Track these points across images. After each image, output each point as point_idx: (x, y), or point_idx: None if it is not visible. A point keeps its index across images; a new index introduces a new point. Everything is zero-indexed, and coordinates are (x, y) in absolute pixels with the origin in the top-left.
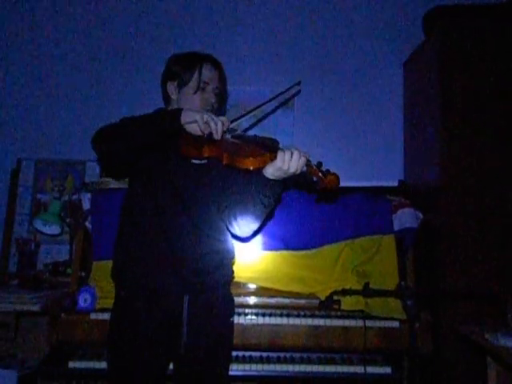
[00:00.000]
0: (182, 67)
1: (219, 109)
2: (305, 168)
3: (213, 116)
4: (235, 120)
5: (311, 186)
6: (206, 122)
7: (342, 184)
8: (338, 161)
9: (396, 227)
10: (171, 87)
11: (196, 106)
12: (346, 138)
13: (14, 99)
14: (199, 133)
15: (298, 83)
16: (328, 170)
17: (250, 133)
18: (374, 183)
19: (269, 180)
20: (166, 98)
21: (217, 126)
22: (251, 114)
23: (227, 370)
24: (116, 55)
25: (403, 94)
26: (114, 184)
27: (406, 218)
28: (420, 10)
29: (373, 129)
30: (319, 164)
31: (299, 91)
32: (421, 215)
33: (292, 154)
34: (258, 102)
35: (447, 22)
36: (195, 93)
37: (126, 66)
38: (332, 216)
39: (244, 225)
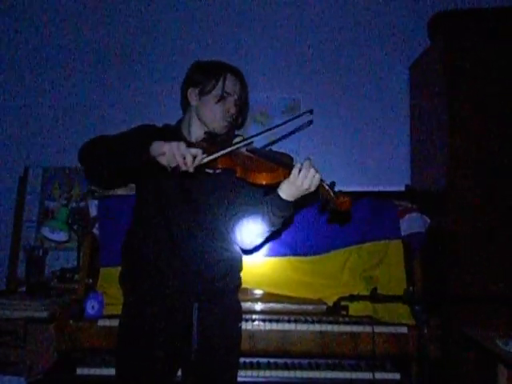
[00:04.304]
0: (205, 75)
1: (239, 119)
2: (318, 187)
3: (183, 149)
4: (243, 141)
5: (323, 206)
6: (173, 156)
7: (349, 189)
8: (344, 166)
9: (403, 232)
10: (192, 94)
11: (216, 115)
12: (352, 143)
13: (21, 107)
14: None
15: (311, 111)
16: (341, 192)
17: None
18: (381, 188)
19: (282, 200)
20: (185, 104)
21: (185, 160)
22: (262, 135)
23: (236, 375)
24: (123, 63)
25: (409, 97)
26: (120, 190)
27: (413, 222)
28: (425, 15)
29: (379, 133)
30: (332, 184)
31: (311, 120)
32: (428, 220)
33: (306, 170)
34: (263, 108)
35: (452, 26)
36: (217, 102)
37: (133, 74)
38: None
39: (247, 238)
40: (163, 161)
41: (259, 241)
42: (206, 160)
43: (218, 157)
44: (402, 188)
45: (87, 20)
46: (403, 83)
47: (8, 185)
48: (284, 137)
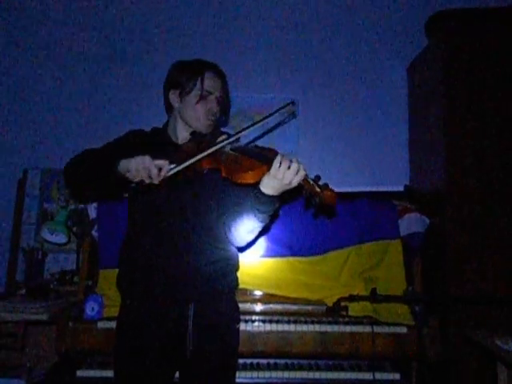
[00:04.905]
0: (184, 76)
1: (222, 117)
2: (301, 182)
3: (148, 163)
4: (224, 140)
5: (308, 201)
6: (138, 170)
7: (348, 189)
8: (343, 166)
9: (402, 232)
10: (173, 96)
11: (199, 115)
12: (351, 144)
13: (20, 110)
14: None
15: (292, 103)
16: (325, 186)
17: (256, 140)
18: (380, 188)
19: (265, 195)
20: (168, 106)
21: (150, 173)
22: (243, 133)
23: (234, 377)
24: (120, 67)
25: (407, 98)
26: None
27: (412, 222)
28: (422, 15)
29: (377, 134)
30: (317, 178)
31: (294, 112)
32: (427, 220)
33: (287, 163)
34: (261, 109)
35: (450, 25)
36: (198, 102)
37: (130, 77)
38: (338, 222)
39: (238, 236)
40: (130, 176)
41: (251, 237)
42: (172, 172)
43: (188, 166)
44: (401, 188)
45: (86, 25)
46: (401, 83)
47: (7, 187)
48: (283, 137)
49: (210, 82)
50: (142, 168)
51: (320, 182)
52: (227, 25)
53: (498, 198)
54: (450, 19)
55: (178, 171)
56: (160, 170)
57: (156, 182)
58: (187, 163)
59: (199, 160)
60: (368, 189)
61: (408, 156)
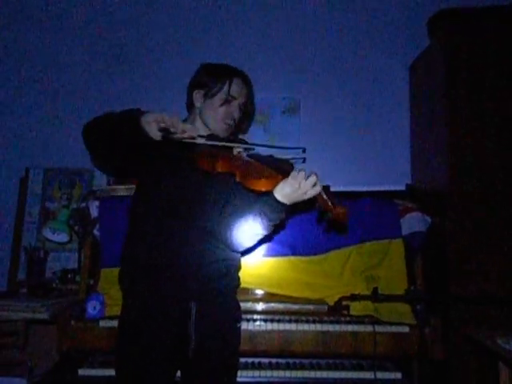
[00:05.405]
0: (212, 78)
1: (244, 123)
2: (315, 196)
3: (176, 118)
4: (223, 144)
5: (320, 215)
6: (163, 118)
7: (350, 188)
8: (344, 165)
9: (404, 231)
10: (197, 95)
11: (218, 117)
12: (353, 143)
13: (22, 108)
14: (157, 129)
15: (303, 150)
16: (338, 203)
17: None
18: (382, 187)
19: (276, 202)
20: (190, 105)
21: (174, 124)
22: (244, 146)
23: (235, 376)
24: (125, 65)
25: (409, 97)
26: (121, 191)
27: (414, 222)
28: (424, 14)
29: (379, 133)
30: (330, 195)
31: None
32: (429, 219)
33: (306, 175)
34: (262, 109)
35: (452, 25)
36: (221, 105)
37: (135, 75)
38: None
39: (238, 240)
40: (153, 127)
41: (249, 244)
42: (200, 140)
43: (212, 145)
44: (403, 187)
45: (89, 24)
46: (403, 83)
47: (9, 186)
48: (284, 136)
49: (236, 87)
50: (168, 116)
51: (334, 200)
52: (229, 25)
53: (499, 197)
54: (451, 18)
55: (206, 144)
56: (184, 131)
57: (179, 131)
58: (219, 143)
59: (214, 164)
60: (370, 188)
61: (410, 155)
